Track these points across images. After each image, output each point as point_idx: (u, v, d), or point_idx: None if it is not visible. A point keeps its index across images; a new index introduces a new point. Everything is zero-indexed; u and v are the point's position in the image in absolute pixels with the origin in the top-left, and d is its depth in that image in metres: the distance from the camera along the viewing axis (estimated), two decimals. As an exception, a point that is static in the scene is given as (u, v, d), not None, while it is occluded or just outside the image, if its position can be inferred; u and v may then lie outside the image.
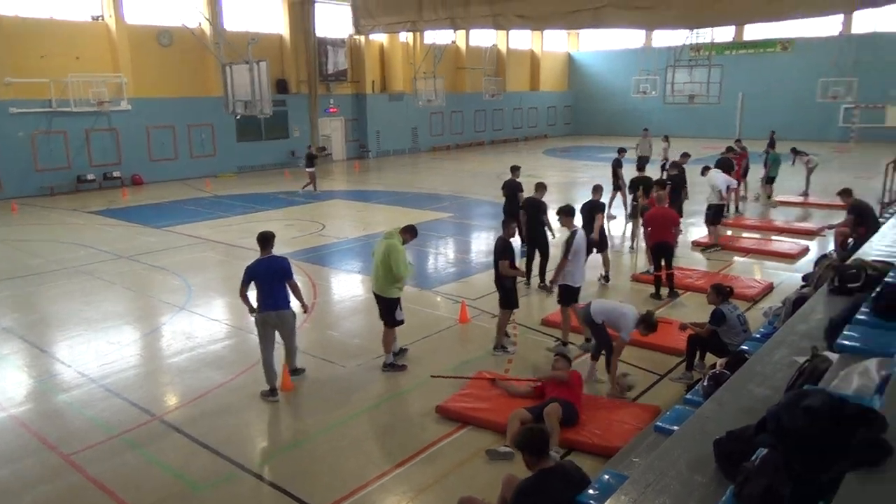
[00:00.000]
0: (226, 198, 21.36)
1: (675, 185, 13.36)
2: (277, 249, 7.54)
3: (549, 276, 10.35)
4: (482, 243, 14.70)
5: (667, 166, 20.07)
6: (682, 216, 12.95)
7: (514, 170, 12.77)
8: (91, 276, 12.20)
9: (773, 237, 14.31)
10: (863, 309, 3.94)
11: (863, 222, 9.53)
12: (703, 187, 13.87)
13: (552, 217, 10.26)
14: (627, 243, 13.54)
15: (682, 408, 4.85)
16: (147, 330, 9.56)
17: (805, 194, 18.61)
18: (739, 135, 26.44)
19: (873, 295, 4.07)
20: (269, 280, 7.17)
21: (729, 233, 14.61)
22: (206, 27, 23.50)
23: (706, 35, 31.02)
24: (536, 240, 10.88)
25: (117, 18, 23.62)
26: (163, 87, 25.19)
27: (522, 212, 10.98)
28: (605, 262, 11.13)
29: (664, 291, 10.33)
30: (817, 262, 7.47)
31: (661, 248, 10.33)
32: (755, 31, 36.61)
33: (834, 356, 3.39)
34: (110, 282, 11.90)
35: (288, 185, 23.85)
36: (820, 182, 19.26)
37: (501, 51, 39.73)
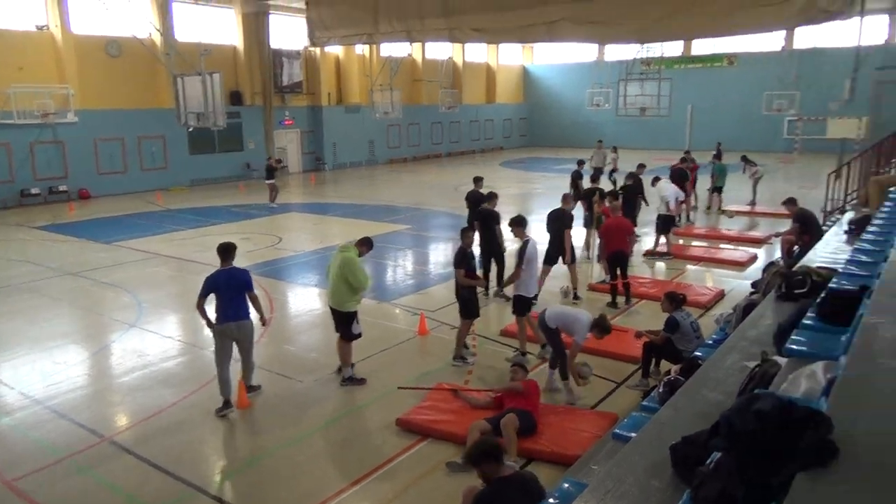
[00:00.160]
0: (178, 211, 20.90)
1: (631, 195, 13.64)
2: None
3: (507, 289, 10.40)
4: (441, 254, 14.72)
5: (615, 175, 20.62)
6: (636, 226, 13.24)
7: (477, 181, 12.85)
8: (36, 294, 11.76)
9: (723, 246, 14.71)
10: (809, 314, 4.05)
11: (807, 230, 9.85)
12: (656, 197, 14.18)
13: (504, 227, 10.29)
14: (584, 254, 13.72)
15: (639, 414, 4.92)
16: (96, 349, 9.25)
17: (752, 204, 19.20)
18: (689, 146, 27.12)
19: (818, 300, 4.20)
20: (230, 291, 7.07)
21: (681, 241, 14.96)
22: (157, 38, 23.04)
23: (656, 49, 31.87)
24: (491, 249, 10.93)
25: (63, 28, 22.95)
26: (112, 98, 24.55)
27: (477, 222, 11.00)
28: (573, 278, 10.90)
29: (620, 300, 10.50)
30: (765, 269, 7.69)
31: (618, 257, 10.51)
32: (702, 47, 37.74)
33: (783, 360, 3.49)
34: (56, 299, 11.49)
35: (243, 199, 23.48)
36: (766, 192, 19.90)
37: (457, 64, 40.02)
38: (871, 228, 6.77)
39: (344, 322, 7.65)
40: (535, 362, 8.14)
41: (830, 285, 4.52)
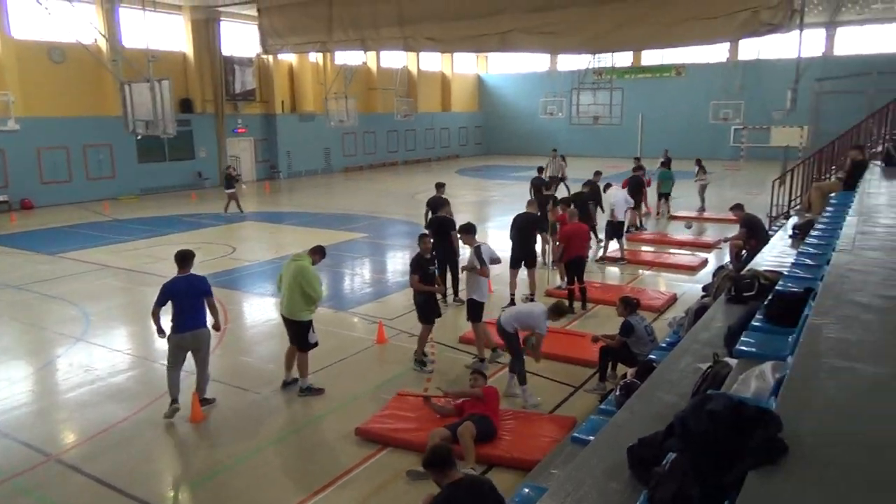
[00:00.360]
0: (127, 221, 20.31)
1: (587, 202, 13.86)
2: (185, 274, 7.25)
3: (462, 293, 10.43)
4: (398, 262, 14.66)
5: (565, 181, 21.17)
6: (594, 231, 13.48)
7: (439, 187, 12.88)
8: (-25, 308, 11.28)
9: (674, 251, 15.05)
10: (757, 316, 4.18)
11: (754, 235, 10.17)
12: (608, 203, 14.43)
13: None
14: (539, 260, 13.85)
15: (597, 418, 5.00)
16: (40, 364, 8.91)
17: (701, 210, 19.71)
18: (641, 154, 27.72)
19: (766, 303, 4.34)
20: (189, 298, 6.96)
21: (634, 247, 15.25)
22: (103, 43, 22.41)
23: (607, 60, 32.57)
24: (445, 256, 10.95)
25: (2, 33, 22.14)
26: (55, 105, 23.75)
27: (430, 230, 10.99)
28: (532, 283, 10.97)
29: (577, 305, 10.64)
30: (715, 273, 7.90)
31: (577, 262, 10.67)
32: (652, 57, 38.69)
33: (733, 361, 3.59)
34: (-2, 313, 11.05)
35: (195, 208, 22.98)
36: (714, 198, 20.47)
37: (412, 72, 40.07)
38: (814, 232, 7.03)
39: (299, 332, 7.56)
40: (493, 368, 8.17)
41: (777, 288, 4.68)
